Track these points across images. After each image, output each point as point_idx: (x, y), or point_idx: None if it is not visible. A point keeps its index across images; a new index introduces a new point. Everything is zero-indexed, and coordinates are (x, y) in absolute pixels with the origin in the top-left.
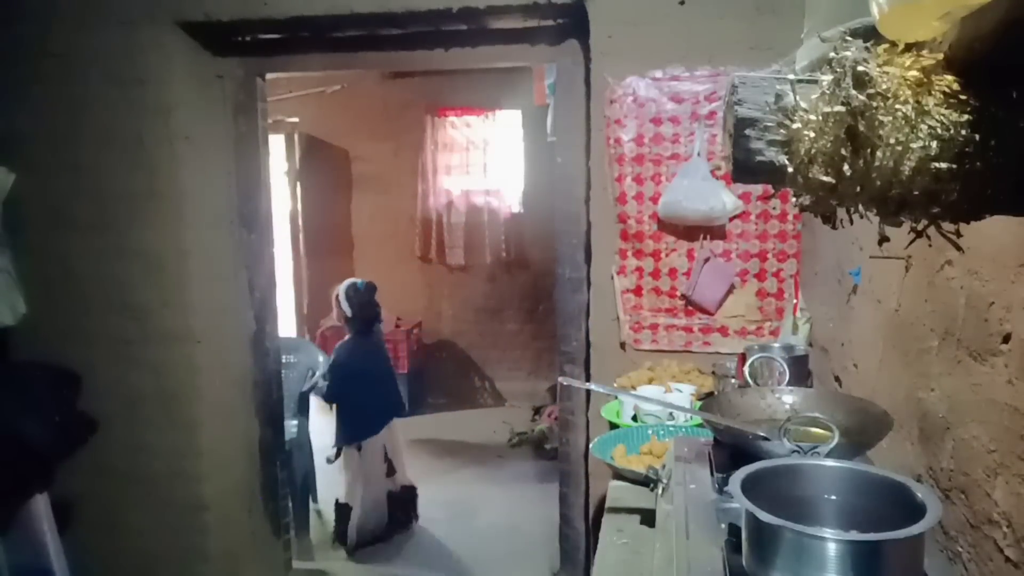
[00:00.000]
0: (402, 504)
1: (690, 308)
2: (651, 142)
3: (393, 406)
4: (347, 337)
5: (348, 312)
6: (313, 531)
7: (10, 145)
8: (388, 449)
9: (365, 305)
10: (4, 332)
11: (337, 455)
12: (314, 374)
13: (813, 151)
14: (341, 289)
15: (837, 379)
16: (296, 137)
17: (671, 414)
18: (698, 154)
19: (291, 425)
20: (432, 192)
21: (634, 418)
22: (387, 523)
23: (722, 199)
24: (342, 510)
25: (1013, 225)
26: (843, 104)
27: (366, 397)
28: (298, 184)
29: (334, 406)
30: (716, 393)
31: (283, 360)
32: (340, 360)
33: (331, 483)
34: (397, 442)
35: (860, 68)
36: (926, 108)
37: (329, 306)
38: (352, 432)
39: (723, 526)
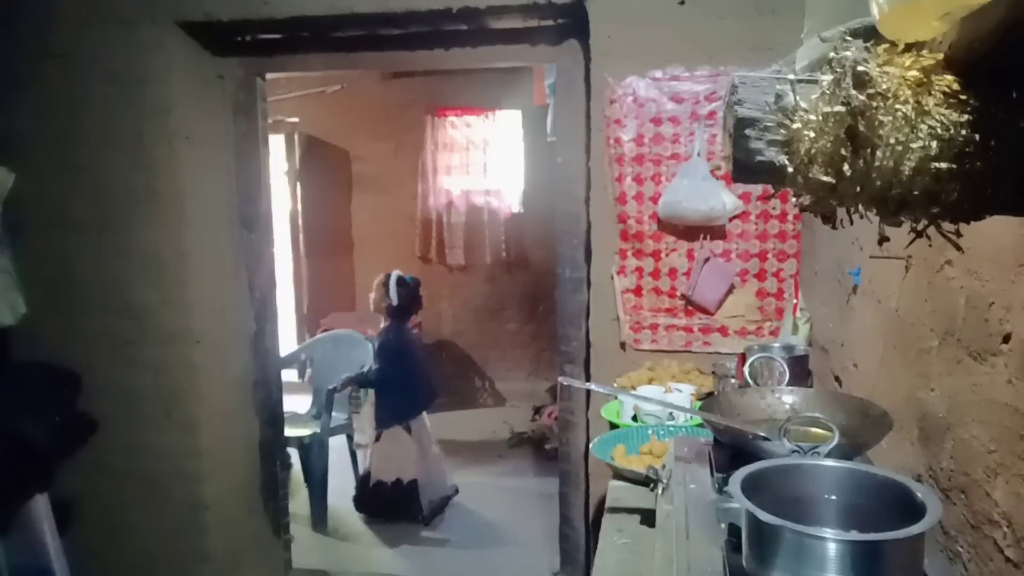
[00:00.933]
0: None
1: (690, 308)
2: (651, 142)
3: (433, 388)
4: (388, 324)
5: (395, 301)
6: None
7: (10, 145)
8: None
9: (412, 297)
10: (4, 332)
11: (377, 439)
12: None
13: (813, 151)
14: (392, 279)
15: (837, 379)
16: (296, 137)
17: (671, 414)
18: (698, 154)
19: (318, 421)
20: (432, 192)
21: (634, 418)
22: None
23: (722, 199)
24: (393, 487)
25: (1013, 225)
26: (843, 104)
27: (412, 379)
28: (298, 184)
29: (370, 392)
30: (716, 393)
31: (328, 353)
32: (391, 344)
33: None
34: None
35: (860, 68)
36: (926, 108)
37: (331, 305)
38: (400, 413)
39: (723, 526)
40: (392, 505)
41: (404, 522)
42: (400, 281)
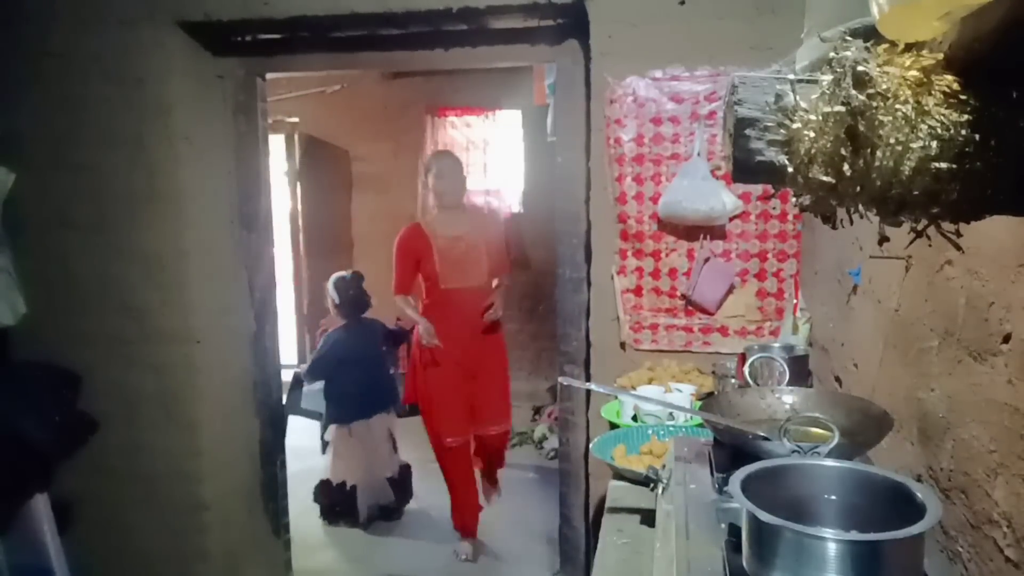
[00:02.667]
0: (402, 483)
1: (690, 308)
2: (651, 142)
3: (386, 394)
4: (340, 326)
5: (336, 300)
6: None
7: (10, 145)
8: (392, 434)
9: (353, 294)
10: (4, 332)
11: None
12: None
13: (813, 151)
14: (330, 281)
15: (837, 379)
16: (296, 137)
17: (671, 414)
18: (698, 154)
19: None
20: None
21: (634, 418)
22: (393, 499)
23: (722, 199)
24: (338, 489)
25: (1013, 225)
26: (843, 104)
27: (353, 382)
28: (298, 184)
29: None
30: (716, 393)
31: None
32: (325, 344)
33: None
34: (395, 427)
35: (860, 68)
36: (926, 108)
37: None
38: (337, 414)
39: (723, 526)
40: (333, 508)
41: (344, 525)
42: (337, 280)
